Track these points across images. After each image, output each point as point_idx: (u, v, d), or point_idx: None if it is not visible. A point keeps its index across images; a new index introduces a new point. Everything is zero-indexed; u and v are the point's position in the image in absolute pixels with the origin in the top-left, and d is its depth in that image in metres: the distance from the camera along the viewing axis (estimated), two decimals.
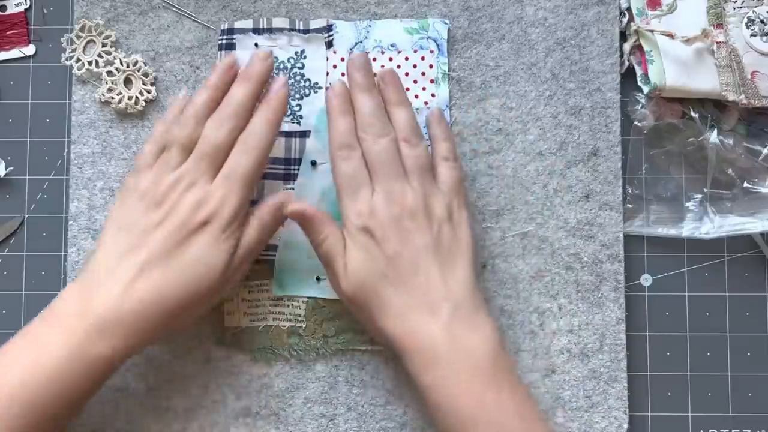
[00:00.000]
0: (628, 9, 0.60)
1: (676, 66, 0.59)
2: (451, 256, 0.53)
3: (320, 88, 0.60)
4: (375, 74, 0.56)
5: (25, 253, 0.61)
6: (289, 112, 0.60)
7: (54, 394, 0.49)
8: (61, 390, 0.49)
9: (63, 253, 0.61)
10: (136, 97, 0.60)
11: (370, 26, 0.60)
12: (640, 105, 0.60)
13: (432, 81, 0.60)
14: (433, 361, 0.50)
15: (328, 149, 0.55)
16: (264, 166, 0.54)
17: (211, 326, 0.59)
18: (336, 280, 0.54)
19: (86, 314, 0.49)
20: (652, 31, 0.59)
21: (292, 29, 0.60)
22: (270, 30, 0.60)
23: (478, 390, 0.49)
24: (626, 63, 0.60)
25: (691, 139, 0.60)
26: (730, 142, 0.60)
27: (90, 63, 0.60)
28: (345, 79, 0.57)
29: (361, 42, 0.60)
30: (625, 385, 0.58)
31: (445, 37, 0.60)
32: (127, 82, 0.61)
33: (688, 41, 0.59)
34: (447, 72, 0.60)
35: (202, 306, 0.53)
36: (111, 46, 0.61)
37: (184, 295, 0.51)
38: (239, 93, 0.54)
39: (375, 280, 0.52)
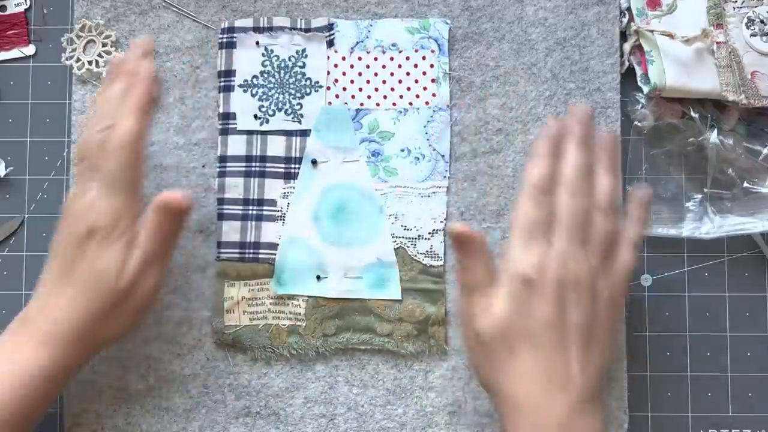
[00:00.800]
0: (628, 9, 0.60)
1: (676, 66, 0.59)
2: (597, 339, 0.50)
3: (321, 86, 0.60)
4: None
5: (25, 253, 0.61)
6: (290, 110, 0.60)
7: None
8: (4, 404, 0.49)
9: None
10: None
11: (371, 25, 0.60)
12: (640, 105, 0.60)
13: (433, 81, 0.60)
14: None
15: (524, 185, 0.52)
16: (137, 166, 0.52)
17: (211, 326, 0.59)
18: (471, 312, 0.51)
19: (30, 328, 0.51)
20: (652, 31, 0.59)
21: (293, 28, 0.60)
22: (271, 28, 0.60)
23: None
24: (626, 63, 0.60)
25: (691, 139, 0.60)
26: (730, 142, 0.60)
27: (90, 63, 0.60)
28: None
29: (362, 41, 0.60)
30: (625, 385, 0.58)
31: (446, 37, 0.60)
32: None
33: (688, 41, 0.59)
34: (448, 72, 0.60)
35: (118, 315, 0.52)
36: (111, 46, 0.61)
37: (90, 304, 0.51)
38: (114, 89, 0.53)
39: (519, 337, 0.49)
